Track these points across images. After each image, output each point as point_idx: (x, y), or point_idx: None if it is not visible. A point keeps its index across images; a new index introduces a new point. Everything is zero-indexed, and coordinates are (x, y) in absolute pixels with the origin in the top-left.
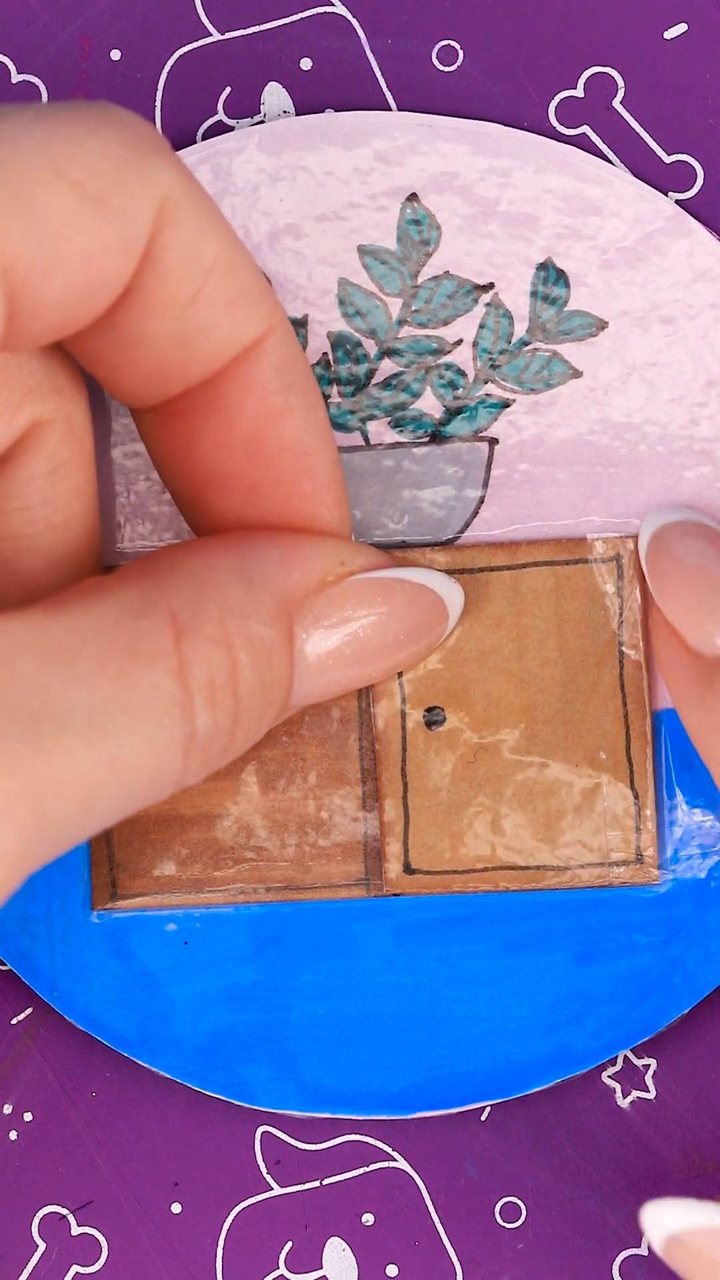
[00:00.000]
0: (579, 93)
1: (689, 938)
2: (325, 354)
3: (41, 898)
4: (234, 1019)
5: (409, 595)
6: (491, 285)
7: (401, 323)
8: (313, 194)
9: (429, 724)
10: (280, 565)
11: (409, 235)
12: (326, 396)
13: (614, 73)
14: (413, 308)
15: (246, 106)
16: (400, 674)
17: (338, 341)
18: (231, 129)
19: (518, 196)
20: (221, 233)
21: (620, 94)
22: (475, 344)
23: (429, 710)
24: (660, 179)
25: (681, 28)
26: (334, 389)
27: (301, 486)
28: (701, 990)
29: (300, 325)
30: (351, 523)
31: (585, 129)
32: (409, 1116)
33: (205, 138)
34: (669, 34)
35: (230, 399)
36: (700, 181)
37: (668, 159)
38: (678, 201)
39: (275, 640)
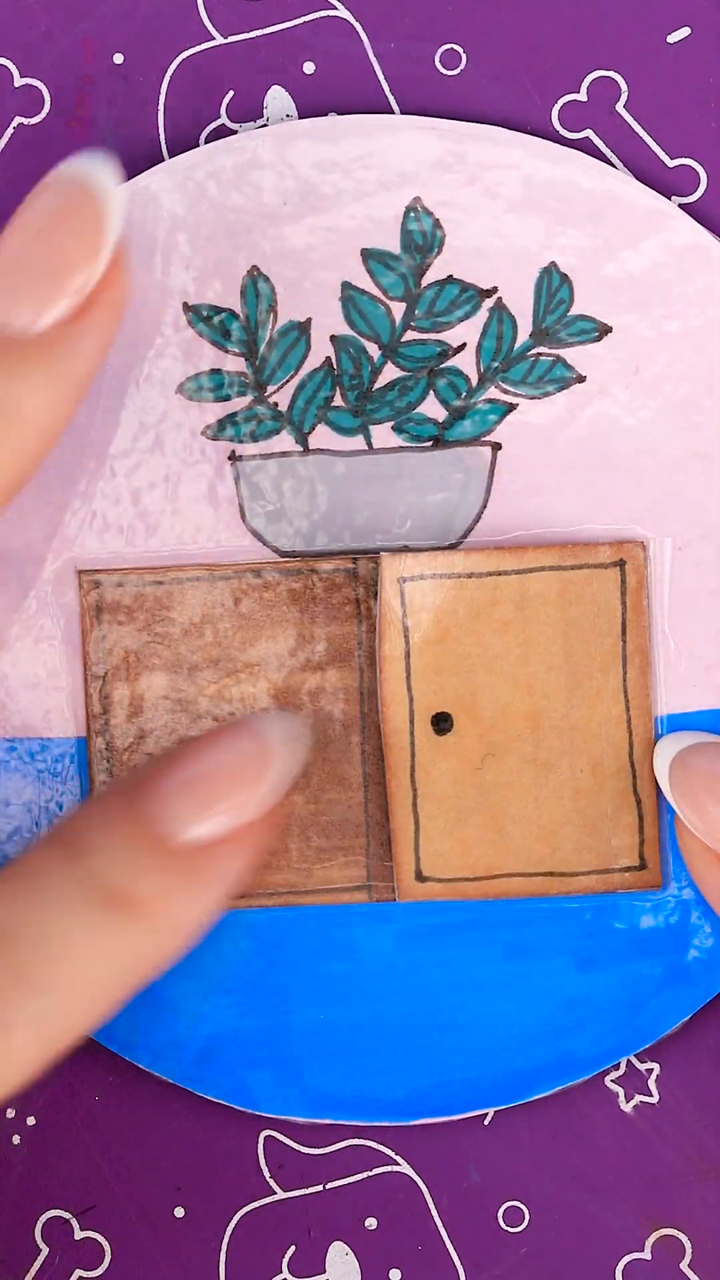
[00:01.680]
0: (582, 96)
1: (691, 943)
2: (328, 358)
3: None
4: (236, 1024)
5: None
6: (495, 289)
7: (405, 327)
8: (316, 198)
9: (438, 731)
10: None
11: (412, 239)
12: (328, 400)
13: (617, 76)
14: (416, 312)
15: (249, 110)
16: (409, 681)
17: (341, 345)
18: (234, 132)
19: (521, 200)
20: None
21: (623, 98)
22: (478, 348)
23: (437, 717)
24: (663, 182)
25: (684, 31)
26: (337, 393)
27: None
28: (704, 995)
29: (303, 329)
30: None
31: (588, 132)
32: (412, 1123)
33: (208, 141)
34: (672, 38)
35: None
36: (704, 185)
37: (671, 163)
38: (681, 205)
39: None
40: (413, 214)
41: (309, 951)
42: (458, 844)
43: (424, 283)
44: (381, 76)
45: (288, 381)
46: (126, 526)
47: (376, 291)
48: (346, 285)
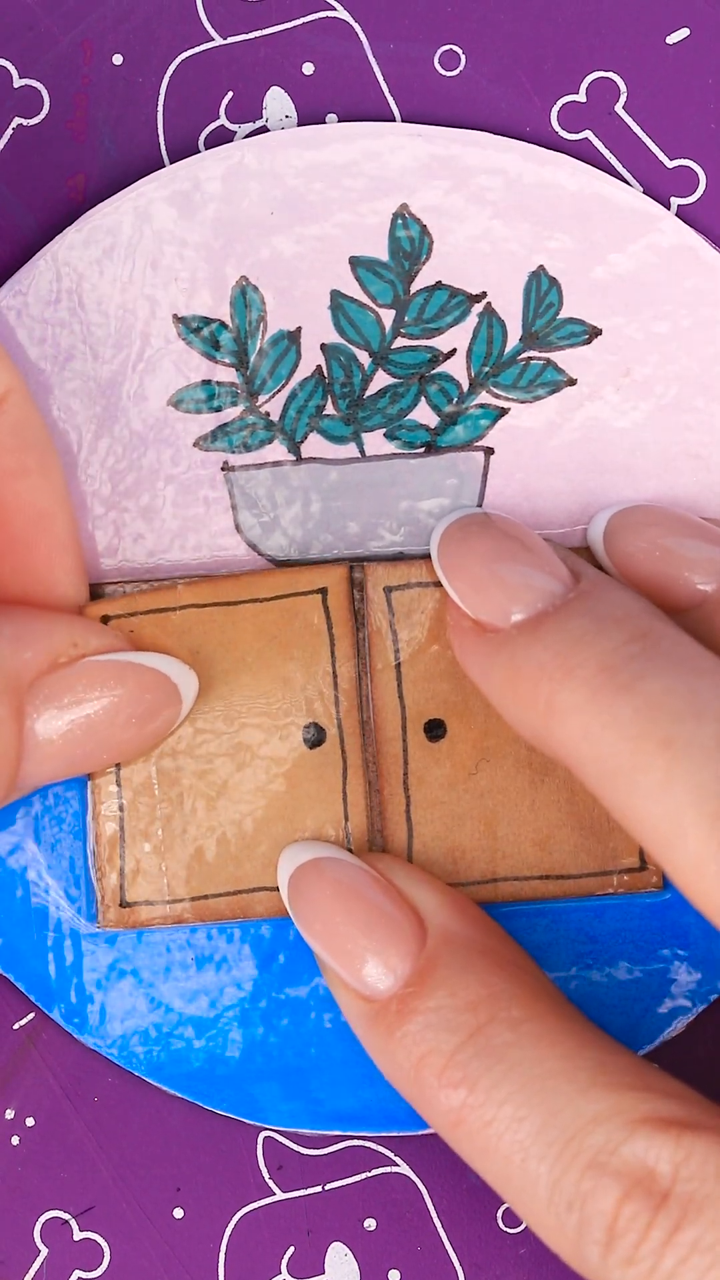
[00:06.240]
0: (581, 97)
1: (692, 944)
2: (319, 366)
3: (46, 916)
4: (241, 1037)
5: (141, 679)
6: (484, 294)
7: (395, 334)
8: (303, 207)
9: (431, 738)
10: (12, 643)
11: (400, 246)
12: (320, 409)
13: (616, 77)
14: (406, 319)
15: (249, 111)
16: (400, 690)
17: (331, 354)
18: (233, 134)
19: (508, 205)
20: None
21: (623, 99)
22: (469, 353)
23: (430, 723)
24: (663, 184)
25: (684, 32)
26: (328, 401)
27: (38, 549)
28: (705, 996)
29: (293, 338)
30: (88, 590)
31: (588, 134)
32: (420, 1133)
33: (208, 143)
34: (671, 39)
35: None
36: (703, 186)
37: (670, 164)
38: (680, 206)
39: (3, 718)
40: (400, 221)
41: (314, 962)
42: (450, 851)
43: (413, 289)
44: (380, 77)
45: (279, 391)
46: (121, 538)
47: (366, 299)
48: (336, 293)
